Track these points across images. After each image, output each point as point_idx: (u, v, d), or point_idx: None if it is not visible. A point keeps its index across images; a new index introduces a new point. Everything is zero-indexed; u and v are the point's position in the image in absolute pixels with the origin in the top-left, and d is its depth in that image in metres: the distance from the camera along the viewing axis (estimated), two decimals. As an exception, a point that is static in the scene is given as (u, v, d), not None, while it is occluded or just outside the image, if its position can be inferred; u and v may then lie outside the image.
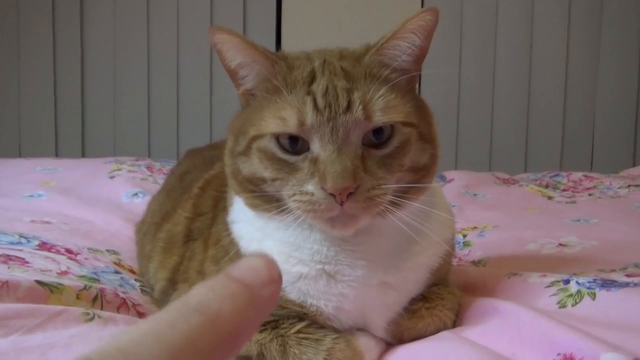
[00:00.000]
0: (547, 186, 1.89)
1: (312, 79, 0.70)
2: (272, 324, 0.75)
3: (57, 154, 2.74)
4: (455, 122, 2.74)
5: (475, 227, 1.36)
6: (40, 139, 2.77)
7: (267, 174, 0.69)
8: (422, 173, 0.73)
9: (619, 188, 1.78)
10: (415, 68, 0.74)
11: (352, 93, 0.67)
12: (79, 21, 2.73)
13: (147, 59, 2.75)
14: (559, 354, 0.63)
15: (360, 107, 0.67)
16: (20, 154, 2.72)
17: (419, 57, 0.73)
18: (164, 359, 0.26)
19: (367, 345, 0.75)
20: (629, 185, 1.78)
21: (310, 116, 0.66)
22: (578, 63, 2.73)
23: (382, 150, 0.68)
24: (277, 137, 0.68)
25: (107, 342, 0.26)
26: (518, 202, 1.68)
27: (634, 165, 2.49)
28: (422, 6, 2.62)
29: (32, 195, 1.55)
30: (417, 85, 0.78)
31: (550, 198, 1.74)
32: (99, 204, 1.52)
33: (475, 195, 1.77)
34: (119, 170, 1.86)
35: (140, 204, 1.47)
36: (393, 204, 0.68)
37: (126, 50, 2.75)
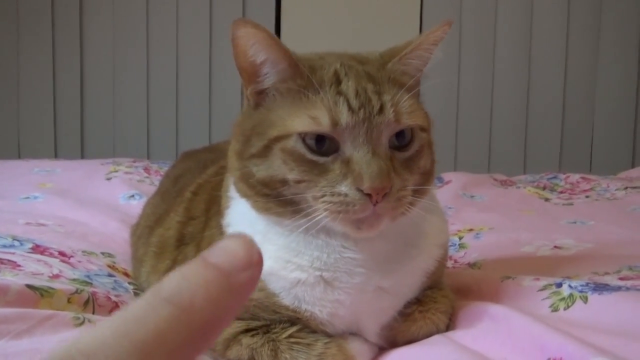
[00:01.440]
0: (544, 188, 1.89)
1: (338, 80, 0.70)
2: (264, 329, 0.74)
3: (56, 155, 2.73)
4: (454, 123, 2.73)
5: (471, 229, 1.36)
6: (39, 140, 2.77)
7: (291, 175, 0.67)
8: (426, 176, 0.75)
9: (616, 190, 1.78)
10: (421, 76, 0.76)
11: (382, 96, 0.68)
12: (78, 22, 2.73)
13: (147, 60, 2.75)
14: (548, 359, 0.63)
15: (392, 109, 0.68)
16: (19, 155, 2.71)
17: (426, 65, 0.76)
18: (131, 359, 0.24)
19: (359, 350, 0.74)
20: (626, 187, 1.77)
21: (345, 116, 0.66)
22: (577, 64, 2.73)
23: (405, 153, 0.70)
24: (303, 138, 0.67)
25: (68, 342, 0.24)
26: (515, 204, 1.68)
27: (632, 166, 2.48)
28: (421, 7, 2.62)
29: (28, 197, 1.54)
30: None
31: (547, 200, 1.74)
32: (95, 205, 1.51)
33: (472, 197, 1.76)
34: (116, 171, 1.85)
35: (136, 206, 1.45)
36: (409, 204, 0.70)
37: (125, 51, 2.75)
